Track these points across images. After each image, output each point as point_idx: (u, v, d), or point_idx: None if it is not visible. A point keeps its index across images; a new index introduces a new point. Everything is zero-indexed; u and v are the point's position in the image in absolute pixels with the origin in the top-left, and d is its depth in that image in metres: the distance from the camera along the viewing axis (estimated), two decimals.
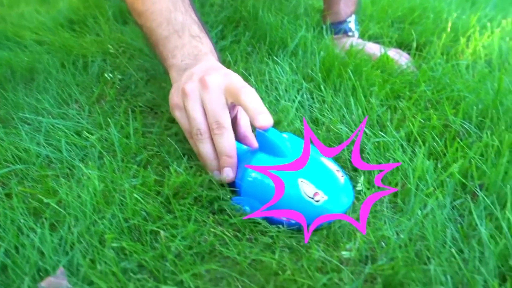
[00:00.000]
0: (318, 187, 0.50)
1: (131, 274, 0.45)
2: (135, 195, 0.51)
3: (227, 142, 0.54)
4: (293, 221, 0.51)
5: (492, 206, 0.52)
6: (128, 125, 0.66)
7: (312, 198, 0.49)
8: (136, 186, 0.54)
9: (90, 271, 0.44)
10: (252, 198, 0.53)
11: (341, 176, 0.53)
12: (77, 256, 0.46)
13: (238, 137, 0.58)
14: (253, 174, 0.52)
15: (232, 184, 0.57)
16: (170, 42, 0.64)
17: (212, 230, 0.51)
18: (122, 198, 0.52)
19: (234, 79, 0.56)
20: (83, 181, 0.54)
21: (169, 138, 0.65)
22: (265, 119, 0.51)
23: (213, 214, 0.54)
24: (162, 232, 0.50)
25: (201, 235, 0.51)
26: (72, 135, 0.66)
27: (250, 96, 0.52)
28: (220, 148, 0.54)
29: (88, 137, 0.64)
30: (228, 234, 0.51)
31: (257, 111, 0.51)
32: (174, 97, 0.59)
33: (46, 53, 0.86)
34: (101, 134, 0.65)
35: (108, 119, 0.67)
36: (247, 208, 0.53)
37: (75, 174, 0.58)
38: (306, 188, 0.50)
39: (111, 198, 0.52)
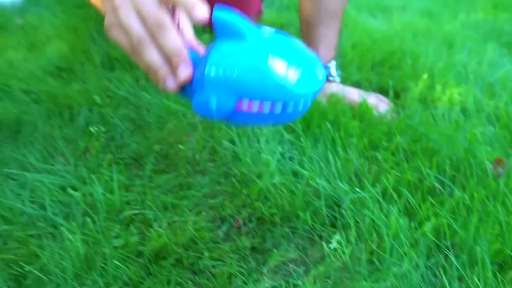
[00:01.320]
0: (290, 63, 0.45)
1: None
2: (115, 262, 0.52)
3: (173, 39, 0.48)
4: (276, 113, 0.45)
5: (461, 269, 0.54)
6: (112, 179, 0.68)
7: (285, 76, 0.44)
8: (118, 249, 0.56)
9: None
10: (219, 91, 0.46)
11: (312, 53, 0.47)
12: None
13: None
14: (218, 61, 0.45)
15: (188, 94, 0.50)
16: None
17: None
18: (103, 264, 0.53)
19: None
20: (66, 244, 0.55)
21: (152, 192, 0.66)
22: (200, 11, 0.46)
23: (195, 274, 0.56)
24: None
25: None
26: (57, 190, 0.67)
27: None
28: (167, 49, 0.48)
29: (72, 194, 0.65)
30: None
31: (189, 4, 0.47)
32: (107, 18, 0.52)
33: (34, 102, 0.88)
34: (86, 190, 0.67)
35: (92, 175, 0.69)
36: (214, 104, 0.46)
37: (58, 235, 0.59)
38: (278, 64, 0.44)
39: (93, 263, 0.54)
